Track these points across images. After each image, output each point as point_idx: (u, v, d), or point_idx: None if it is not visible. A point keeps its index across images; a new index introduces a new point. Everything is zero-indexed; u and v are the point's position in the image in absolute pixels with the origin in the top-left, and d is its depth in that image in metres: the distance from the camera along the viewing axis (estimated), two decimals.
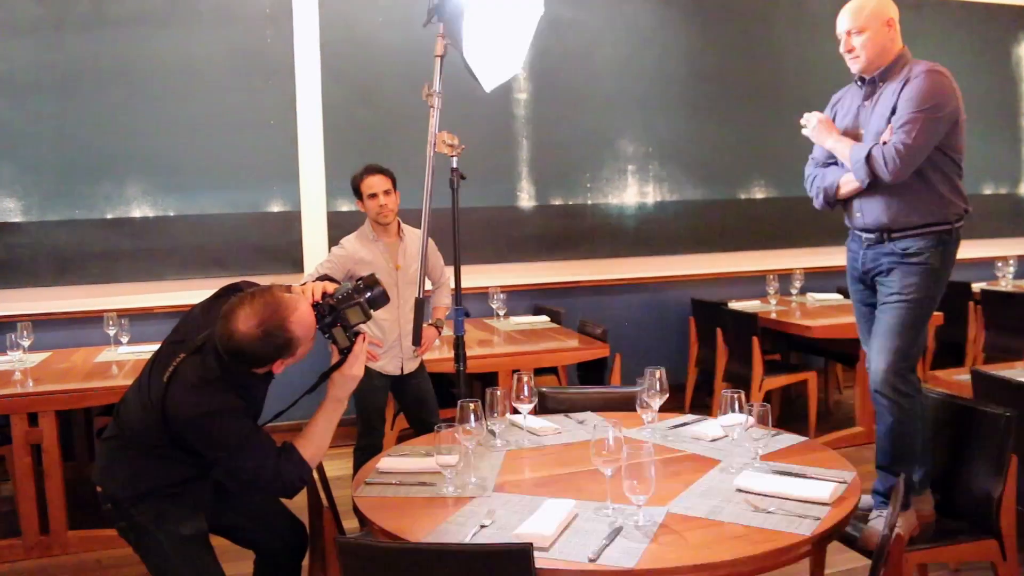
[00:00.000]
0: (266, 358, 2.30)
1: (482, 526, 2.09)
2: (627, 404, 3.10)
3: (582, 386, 4.81)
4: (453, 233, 3.20)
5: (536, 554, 1.83)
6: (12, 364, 4.50)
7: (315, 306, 2.38)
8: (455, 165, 3.22)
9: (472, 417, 2.45)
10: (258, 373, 2.40)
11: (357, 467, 3.89)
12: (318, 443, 2.45)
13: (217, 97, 5.35)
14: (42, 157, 5.16)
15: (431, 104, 3.22)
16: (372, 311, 2.46)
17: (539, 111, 5.93)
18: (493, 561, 1.84)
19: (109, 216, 5.23)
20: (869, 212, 3.20)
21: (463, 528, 2.09)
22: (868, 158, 3.08)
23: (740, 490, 2.31)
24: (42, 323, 4.89)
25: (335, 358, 2.51)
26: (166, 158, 5.29)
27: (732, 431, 2.54)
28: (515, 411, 2.87)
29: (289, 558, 2.78)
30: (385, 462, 2.60)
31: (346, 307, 2.43)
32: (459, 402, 2.45)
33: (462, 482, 2.39)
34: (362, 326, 3.91)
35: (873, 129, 3.15)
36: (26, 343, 4.58)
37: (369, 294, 2.46)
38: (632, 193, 6.19)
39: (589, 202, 6.08)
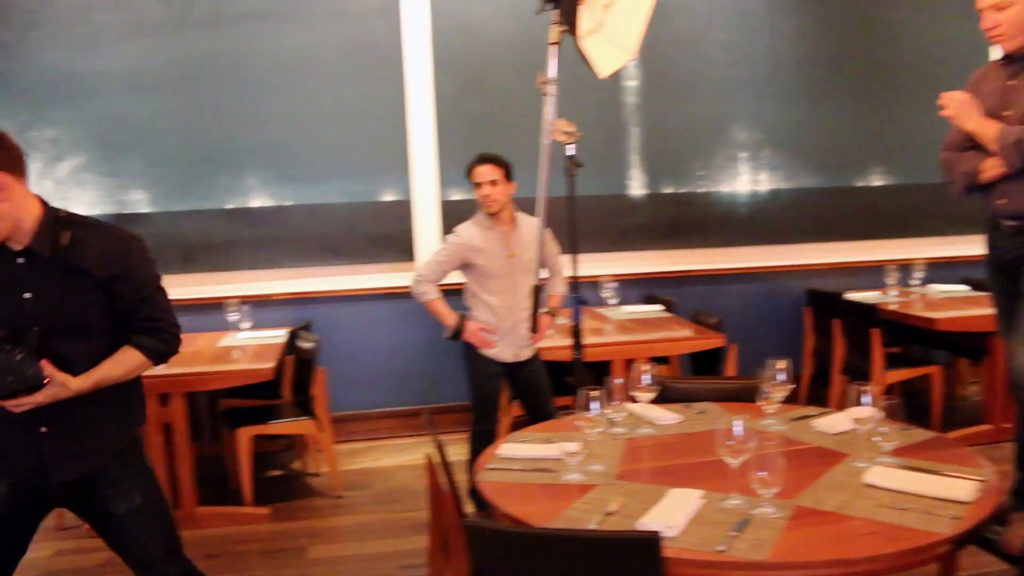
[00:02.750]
0: None
1: (607, 514, 2.08)
2: (746, 395, 3.04)
3: (700, 376, 4.74)
4: (569, 221, 3.18)
5: (663, 543, 1.81)
6: None
7: None
8: (572, 152, 3.20)
9: (593, 405, 2.44)
10: None
11: (473, 453, 3.93)
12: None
13: (330, 89, 5.47)
14: (167, 150, 5.39)
15: (545, 92, 3.22)
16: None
17: (649, 98, 5.86)
18: (621, 549, 1.83)
19: (229, 206, 5.43)
20: (1015, 198, 3.03)
21: (587, 515, 2.08)
22: (1020, 142, 2.92)
23: (870, 485, 2.23)
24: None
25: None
26: (282, 149, 5.45)
27: (861, 425, 2.47)
28: (633, 400, 2.85)
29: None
30: (505, 448, 2.61)
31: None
32: (580, 390, 2.44)
33: (584, 470, 2.38)
34: (476, 313, 3.95)
35: (1023, 110, 2.98)
36: None
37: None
38: (745, 181, 6.06)
39: (701, 190, 5.99)
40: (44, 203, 2.33)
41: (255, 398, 4.94)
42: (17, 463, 2.35)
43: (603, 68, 3.31)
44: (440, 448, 2.61)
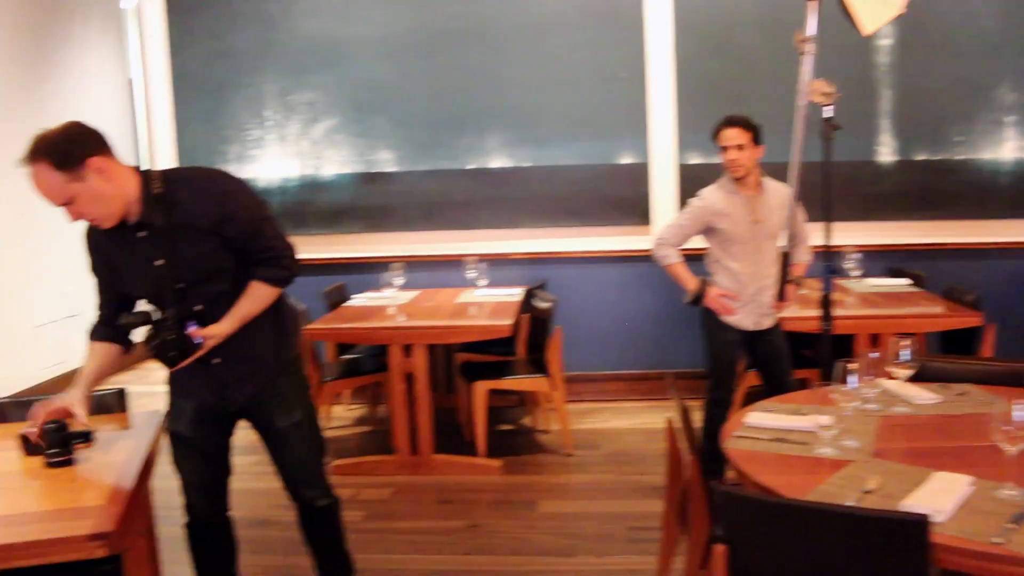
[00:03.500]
0: None
1: (865, 492, 1.99)
2: (1011, 379, 2.83)
3: (959, 356, 4.43)
4: (825, 188, 3.05)
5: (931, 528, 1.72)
6: (387, 300, 4.97)
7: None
8: (830, 114, 3.06)
9: (850, 378, 2.34)
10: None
11: (709, 420, 3.88)
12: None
13: (570, 52, 5.51)
14: (413, 112, 5.63)
15: (802, 51, 3.09)
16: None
17: (903, 58, 5.47)
18: (885, 529, 1.75)
19: (471, 166, 5.60)
20: None
21: (844, 491, 2.00)
22: None
23: None
24: (412, 264, 5.33)
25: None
26: (522, 111, 5.55)
27: None
28: (888, 376, 2.71)
29: (299, 504, 2.86)
30: (753, 416, 2.55)
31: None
32: (838, 362, 2.34)
33: (838, 444, 2.29)
34: (718, 279, 3.87)
35: None
36: (399, 282, 5.02)
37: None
38: (1010, 148, 5.55)
39: (958, 157, 5.55)
40: (136, 170, 2.44)
41: (489, 354, 5.11)
42: (199, 390, 2.63)
43: (868, 24, 3.12)
44: (685, 413, 2.59)
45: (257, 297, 2.57)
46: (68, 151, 2.26)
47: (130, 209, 2.41)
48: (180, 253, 2.46)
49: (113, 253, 2.51)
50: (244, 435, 2.80)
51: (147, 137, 5.83)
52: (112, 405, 2.99)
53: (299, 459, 2.78)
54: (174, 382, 2.68)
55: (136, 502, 2.16)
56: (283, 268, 2.60)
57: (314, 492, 2.83)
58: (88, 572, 2.50)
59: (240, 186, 2.57)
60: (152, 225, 2.43)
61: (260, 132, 5.73)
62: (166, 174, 2.49)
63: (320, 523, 2.88)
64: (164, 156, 5.77)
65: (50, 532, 1.91)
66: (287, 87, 5.68)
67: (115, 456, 2.42)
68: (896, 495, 1.97)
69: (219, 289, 2.53)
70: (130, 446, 2.51)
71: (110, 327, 2.61)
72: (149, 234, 2.44)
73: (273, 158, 5.74)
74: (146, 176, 2.44)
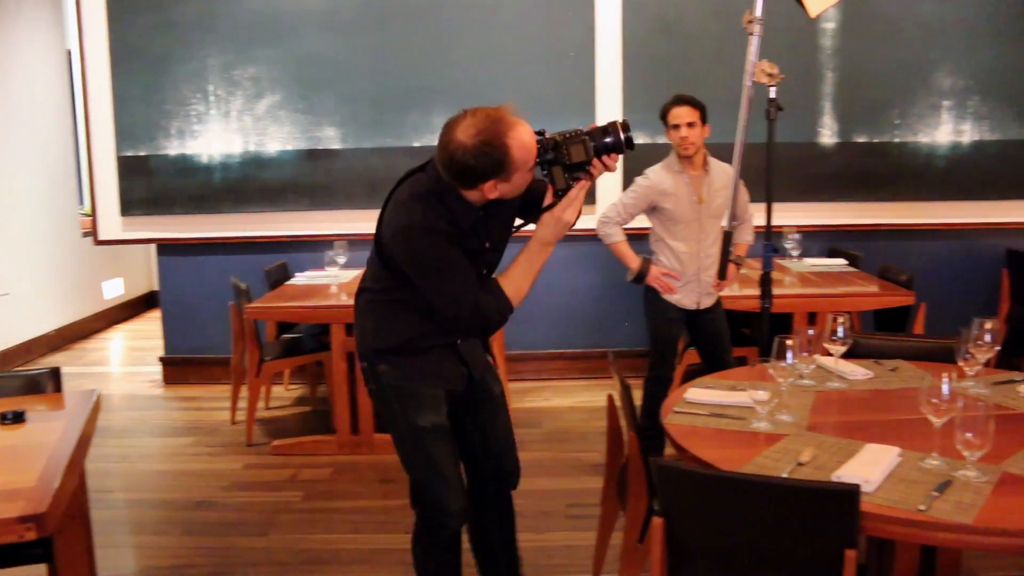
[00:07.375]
0: (478, 173, 2.22)
1: (799, 464, 2.03)
2: (941, 355, 2.90)
3: (892, 334, 4.55)
4: (768, 168, 3.10)
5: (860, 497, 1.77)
6: (330, 279, 4.93)
7: (539, 140, 2.28)
8: (773, 96, 3.10)
9: (788, 355, 2.38)
10: (469, 198, 2.32)
11: (648, 397, 3.93)
12: (518, 283, 2.39)
13: (518, 30, 5.48)
14: (359, 89, 5.56)
15: (751, 32, 3.13)
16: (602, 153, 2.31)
17: (846, 42, 5.55)
18: (818, 499, 1.80)
19: (416, 144, 5.56)
20: None
21: (779, 464, 2.04)
22: None
23: None
24: (355, 243, 5.29)
25: (548, 199, 2.31)
26: (470, 89, 5.51)
27: None
28: (824, 352, 2.77)
29: (497, 487, 2.81)
30: (692, 392, 2.59)
31: (571, 144, 2.29)
32: (776, 338, 2.38)
33: (773, 419, 2.34)
34: (661, 258, 3.91)
35: None
36: (342, 260, 4.98)
37: (607, 139, 2.29)
38: (946, 131, 5.67)
39: (896, 140, 5.65)
40: None
41: None
42: (449, 372, 2.56)
43: (814, 6, 3.17)
44: (626, 390, 2.62)
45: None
46: None
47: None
48: (498, 234, 2.46)
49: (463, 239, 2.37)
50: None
51: (84, 111, 5.67)
52: (45, 385, 2.92)
53: (509, 427, 2.75)
54: (425, 372, 2.52)
55: (69, 484, 2.11)
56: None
57: (516, 468, 2.79)
58: (19, 555, 2.46)
59: (406, 238, 2.45)
60: (487, 209, 2.39)
61: (203, 107, 5.61)
62: (401, 192, 2.45)
63: (509, 510, 2.85)
64: (102, 131, 5.63)
65: None
66: (231, 62, 5.56)
67: (48, 436, 2.37)
68: (828, 466, 2.02)
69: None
70: (63, 426, 2.45)
71: None
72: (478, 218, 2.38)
73: (215, 134, 5.63)
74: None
